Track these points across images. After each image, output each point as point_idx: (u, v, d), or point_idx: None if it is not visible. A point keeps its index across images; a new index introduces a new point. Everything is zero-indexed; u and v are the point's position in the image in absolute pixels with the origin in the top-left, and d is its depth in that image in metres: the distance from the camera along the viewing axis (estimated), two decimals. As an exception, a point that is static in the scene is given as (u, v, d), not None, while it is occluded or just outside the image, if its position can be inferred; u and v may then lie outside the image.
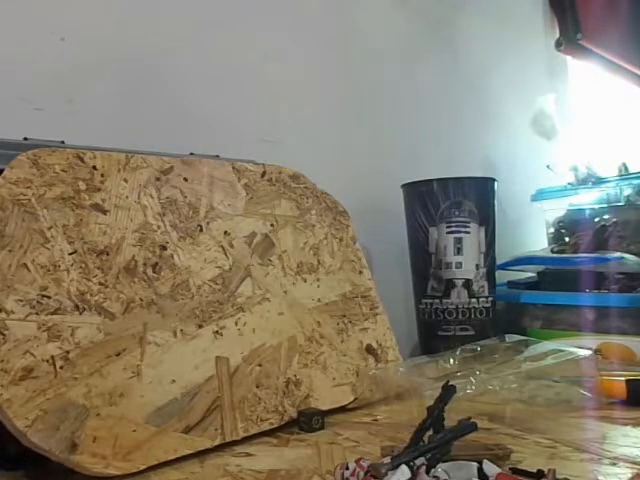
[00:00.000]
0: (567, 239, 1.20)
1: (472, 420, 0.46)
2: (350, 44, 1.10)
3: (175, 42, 0.85)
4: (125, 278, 0.56)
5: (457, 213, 0.95)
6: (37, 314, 0.50)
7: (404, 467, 0.41)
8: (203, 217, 0.64)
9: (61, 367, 0.50)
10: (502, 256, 1.07)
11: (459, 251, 0.95)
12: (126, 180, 0.59)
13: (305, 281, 0.70)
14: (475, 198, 0.95)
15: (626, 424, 0.57)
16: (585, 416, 0.60)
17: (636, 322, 0.94)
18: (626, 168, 1.26)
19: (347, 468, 0.44)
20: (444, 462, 0.43)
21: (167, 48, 0.84)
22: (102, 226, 0.56)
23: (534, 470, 0.44)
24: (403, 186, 1.01)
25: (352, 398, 0.68)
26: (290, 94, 0.99)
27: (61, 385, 0.49)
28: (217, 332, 0.60)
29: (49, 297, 0.51)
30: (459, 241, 0.95)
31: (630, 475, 0.45)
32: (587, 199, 1.22)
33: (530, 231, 1.37)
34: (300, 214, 0.72)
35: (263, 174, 0.71)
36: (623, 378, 0.64)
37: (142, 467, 0.51)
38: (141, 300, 0.56)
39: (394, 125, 1.15)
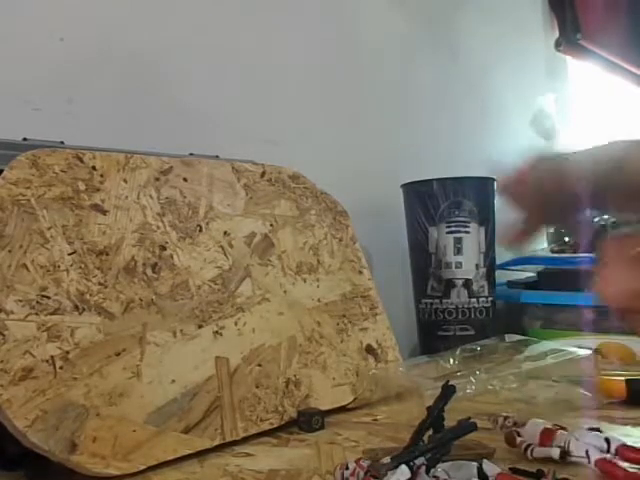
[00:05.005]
0: (567, 239, 1.20)
1: (472, 420, 0.46)
2: (350, 44, 1.09)
3: (175, 42, 0.85)
4: (125, 278, 0.56)
5: (457, 213, 0.95)
6: (37, 314, 0.50)
7: (404, 467, 0.40)
8: (203, 217, 0.64)
9: (61, 367, 0.50)
10: (502, 256, 1.07)
11: (459, 251, 0.94)
12: (125, 180, 0.59)
13: (305, 281, 0.70)
14: (475, 198, 0.95)
15: (626, 424, 0.57)
16: (585, 416, 0.60)
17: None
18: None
19: (347, 468, 0.43)
20: (444, 462, 0.43)
21: (167, 48, 0.84)
22: (102, 226, 0.56)
23: (534, 470, 0.44)
24: (403, 186, 1.01)
25: (352, 398, 0.68)
26: (290, 94, 0.99)
27: (61, 385, 0.49)
28: (217, 332, 0.60)
29: (49, 297, 0.51)
30: (459, 241, 0.95)
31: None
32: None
33: (530, 231, 1.37)
34: (300, 214, 0.72)
35: (263, 174, 0.71)
36: (623, 378, 0.64)
37: (142, 467, 0.51)
38: (141, 300, 0.56)
39: (394, 125, 1.15)
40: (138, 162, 0.61)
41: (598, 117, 1.67)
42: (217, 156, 0.73)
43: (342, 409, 0.67)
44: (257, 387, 0.61)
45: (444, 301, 0.94)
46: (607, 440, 0.46)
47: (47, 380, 0.49)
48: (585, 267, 1.00)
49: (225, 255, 0.64)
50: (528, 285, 1.12)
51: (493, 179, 1.00)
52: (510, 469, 0.45)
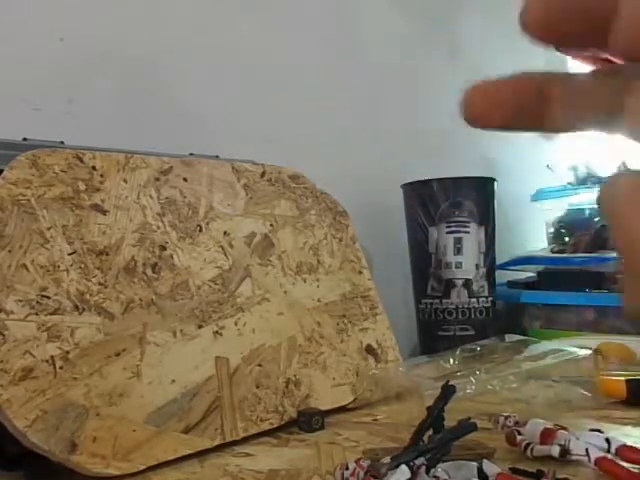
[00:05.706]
0: (567, 239, 1.20)
1: (472, 420, 0.46)
2: (350, 44, 1.10)
3: (174, 42, 0.85)
4: (125, 278, 0.56)
5: (457, 213, 0.95)
6: (37, 314, 0.50)
7: (404, 467, 0.40)
8: (202, 217, 0.64)
9: (61, 367, 0.50)
10: (502, 256, 1.07)
11: (459, 251, 0.94)
12: (125, 180, 0.59)
13: (305, 281, 0.70)
14: (475, 198, 0.95)
15: (626, 424, 0.57)
16: (585, 416, 0.60)
17: (636, 322, 0.94)
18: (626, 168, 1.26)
19: (347, 468, 0.43)
20: (444, 462, 0.43)
21: (166, 48, 0.84)
22: (102, 226, 0.56)
23: (534, 470, 0.44)
24: (403, 186, 1.01)
25: (352, 398, 0.68)
26: (290, 94, 0.99)
27: (61, 385, 0.49)
28: (217, 332, 0.60)
29: (49, 297, 0.51)
30: (459, 241, 0.95)
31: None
32: (587, 199, 1.22)
33: (530, 231, 1.37)
34: (300, 214, 0.72)
35: (263, 174, 0.71)
36: (623, 378, 0.64)
37: (142, 467, 0.51)
38: (141, 300, 0.56)
39: (394, 125, 1.15)
40: (138, 162, 0.61)
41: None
42: (217, 156, 0.73)
43: (342, 409, 0.67)
44: (257, 387, 0.61)
45: (444, 301, 0.94)
46: (607, 440, 0.46)
47: (47, 380, 0.49)
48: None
49: (225, 255, 0.64)
50: (528, 285, 1.12)
51: (493, 179, 1.00)
52: (510, 469, 0.45)
